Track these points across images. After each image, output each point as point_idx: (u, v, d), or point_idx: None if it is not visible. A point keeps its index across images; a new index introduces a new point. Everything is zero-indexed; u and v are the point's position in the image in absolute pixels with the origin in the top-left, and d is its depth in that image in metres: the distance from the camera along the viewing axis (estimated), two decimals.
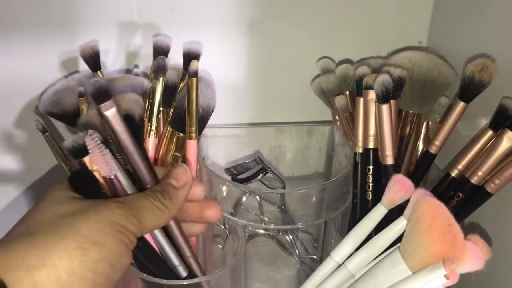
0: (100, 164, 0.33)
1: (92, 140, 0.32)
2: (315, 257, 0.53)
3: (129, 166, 0.35)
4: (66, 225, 0.29)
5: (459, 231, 0.33)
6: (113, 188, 0.34)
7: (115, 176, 0.33)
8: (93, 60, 0.47)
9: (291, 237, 0.53)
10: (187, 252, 0.37)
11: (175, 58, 0.50)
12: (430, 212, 0.34)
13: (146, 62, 0.53)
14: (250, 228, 0.51)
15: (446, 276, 0.32)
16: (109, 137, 0.34)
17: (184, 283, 0.37)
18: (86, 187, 0.33)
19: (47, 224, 0.29)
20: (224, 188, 0.48)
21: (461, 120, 0.45)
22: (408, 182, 0.37)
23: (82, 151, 0.32)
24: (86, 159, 0.33)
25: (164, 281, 0.37)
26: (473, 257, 0.32)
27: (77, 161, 0.33)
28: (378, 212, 0.38)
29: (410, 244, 0.34)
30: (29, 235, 0.28)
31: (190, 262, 0.37)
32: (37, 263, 0.27)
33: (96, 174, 0.33)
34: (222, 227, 0.49)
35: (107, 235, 0.29)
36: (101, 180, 0.34)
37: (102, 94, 0.33)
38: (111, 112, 0.32)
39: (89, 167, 0.33)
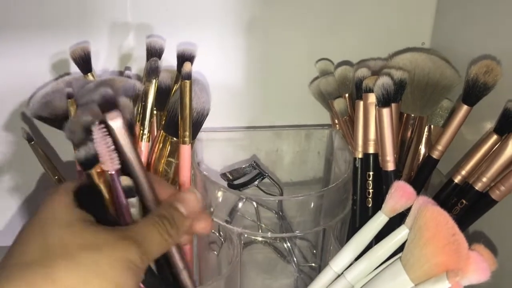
0: (104, 156, 0.31)
1: (99, 131, 0.30)
2: (313, 264, 0.51)
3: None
4: (86, 262, 0.27)
5: (463, 241, 0.32)
6: (113, 188, 0.32)
7: (116, 173, 0.32)
8: (84, 62, 0.45)
9: (289, 244, 0.52)
10: (180, 265, 0.36)
11: (169, 60, 0.49)
12: (433, 221, 0.32)
13: (139, 64, 0.52)
14: (246, 236, 0.50)
15: None
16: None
17: None
18: (92, 203, 0.32)
19: (61, 253, 0.27)
20: (219, 194, 0.47)
21: (464, 124, 0.43)
22: (410, 189, 0.35)
23: (93, 161, 0.31)
24: (94, 172, 0.32)
25: None
26: (478, 268, 0.31)
27: (85, 173, 0.32)
28: (378, 220, 0.37)
29: (412, 254, 0.33)
30: (44, 266, 0.27)
31: (183, 276, 0.36)
32: None
33: (101, 187, 0.32)
34: (217, 234, 0.48)
35: (125, 277, 0.28)
36: (105, 195, 0.32)
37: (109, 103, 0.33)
38: (116, 124, 0.31)
39: (96, 180, 0.32)
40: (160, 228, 0.31)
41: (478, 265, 0.31)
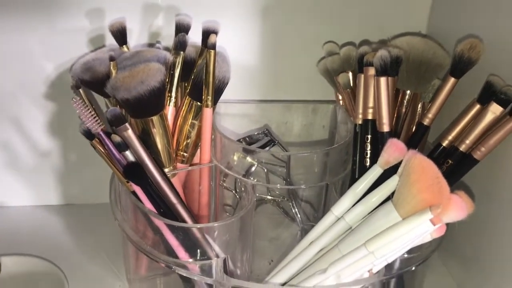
0: (87, 121, 0.40)
1: (77, 105, 0.39)
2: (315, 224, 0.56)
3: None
4: None
5: (445, 184, 0.36)
6: (105, 146, 0.40)
7: (103, 132, 0.40)
8: (121, 34, 0.50)
9: (296, 209, 0.57)
10: (173, 199, 0.42)
11: (192, 39, 0.54)
12: (420, 166, 0.37)
13: (166, 41, 0.57)
14: (258, 194, 0.55)
15: (432, 221, 0.35)
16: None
17: (198, 226, 0.41)
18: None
19: None
20: (235, 157, 0.52)
21: (456, 98, 0.48)
22: (401, 145, 0.40)
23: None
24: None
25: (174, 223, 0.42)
26: (457, 207, 0.35)
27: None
28: (374, 172, 0.41)
29: (401, 194, 0.37)
30: None
31: (178, 209, 0.42)
32: None
33: None
34: (233, 191, 0.53)
35: None
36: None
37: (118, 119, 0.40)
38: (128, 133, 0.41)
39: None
40: None
41: (458, 204, 0.35)
